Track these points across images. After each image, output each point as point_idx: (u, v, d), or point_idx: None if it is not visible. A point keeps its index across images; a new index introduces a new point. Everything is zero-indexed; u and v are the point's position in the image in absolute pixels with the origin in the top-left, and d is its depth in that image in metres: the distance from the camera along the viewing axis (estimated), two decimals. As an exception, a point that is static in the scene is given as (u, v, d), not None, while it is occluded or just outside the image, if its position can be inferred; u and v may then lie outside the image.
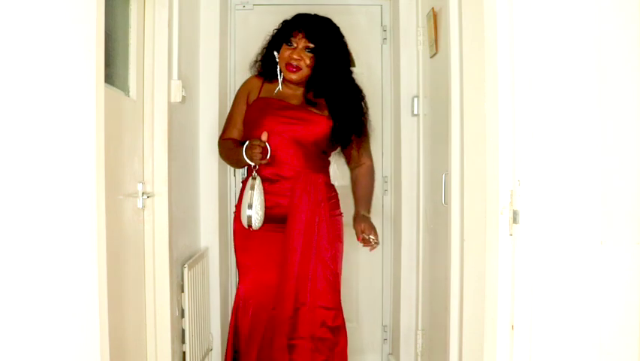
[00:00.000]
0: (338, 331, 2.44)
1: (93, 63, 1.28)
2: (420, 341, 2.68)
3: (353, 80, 2.53)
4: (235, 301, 2.52)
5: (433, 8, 2.37)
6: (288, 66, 2.41)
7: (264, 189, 2.36)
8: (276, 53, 2.46)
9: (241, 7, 3.09)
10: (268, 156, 2.31)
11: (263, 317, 2.45)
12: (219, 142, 2.61)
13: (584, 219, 1.46)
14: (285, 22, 2.49)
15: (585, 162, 1.46)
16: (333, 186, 2.55)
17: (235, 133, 2.54)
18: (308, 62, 2.40)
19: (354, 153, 2.55)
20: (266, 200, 2.37)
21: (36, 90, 1.09)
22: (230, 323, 2.54)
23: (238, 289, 2.52)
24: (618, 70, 1.46)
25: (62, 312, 1.17)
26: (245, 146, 2.33)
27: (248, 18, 3.09)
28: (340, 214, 2.54)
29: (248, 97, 2.54)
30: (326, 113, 2.44)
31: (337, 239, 2.49)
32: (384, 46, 3.10)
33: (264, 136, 2.30)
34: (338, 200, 2.55)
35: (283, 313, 2.39)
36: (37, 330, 1.09)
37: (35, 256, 1.08)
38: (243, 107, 2.54)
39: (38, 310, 1.09)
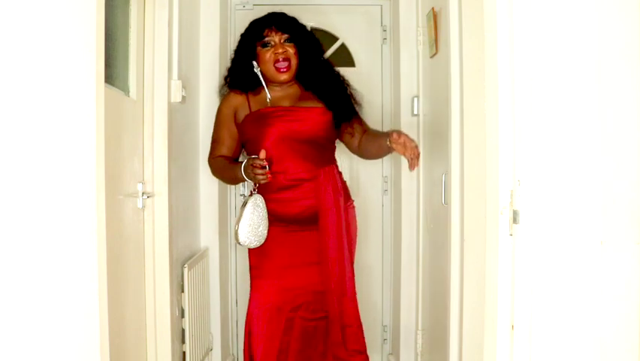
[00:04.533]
0: (358, 316, 2.53)
1: (93, 63, 1.28)
2: (420, 341, 2.68)
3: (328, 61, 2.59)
4: (248, 310, 2.45)
5: (433, 8, 2.37)
6: (278, 67, 2.38)
7: (283, 198, 2.37)
8: (255, 63, 2.40)
9: (241, 7, 3.08)
10: (268, 171, 2.22)
11: (281, 319, 2.43)
12: (209, 161, 2.54)
13: (584, 219, 1.46)
14: (246, 31, 2.47)
15: (585, 162, 1.46)
16: (341, 173, 2.56)
17: (224, 150, 2.48)
18: (293, 51, 2.39)
19: (355, 128, 2.51)
20: (293, 206, 2.38)
21: (36, 90, 1.09)
22: (245, 335, 2.47)
23: (252, 296, 2.44)
24: (618, 70, 1.46)
25: (62, 312, 1.17)
26: (243, 165, 2.27)
27: (248, 18, 3.05)
28: (352, 204, 2.57)
29: (235, 115, 2.46)
30: (319, 103, 2.44)
31: (353, 227, 2.53)
32: (384, 46, 3.10)
33: (263, 154, 2.23)
34: (347, 188, 2.57)
35: (329, 312, 2.44)
36: (37, 330, 1.09)
37: (35, 256, 1.08)
38: (231, 127, 2.47)
39: (39, 310, 1.09)
